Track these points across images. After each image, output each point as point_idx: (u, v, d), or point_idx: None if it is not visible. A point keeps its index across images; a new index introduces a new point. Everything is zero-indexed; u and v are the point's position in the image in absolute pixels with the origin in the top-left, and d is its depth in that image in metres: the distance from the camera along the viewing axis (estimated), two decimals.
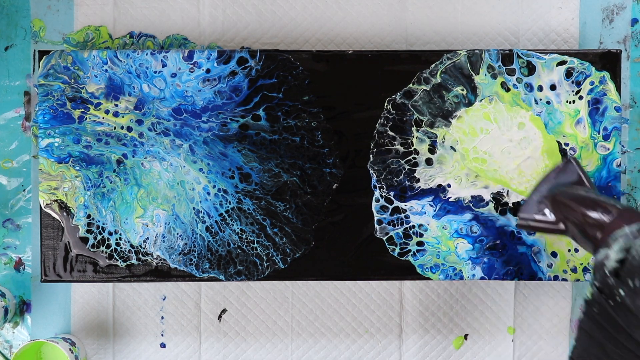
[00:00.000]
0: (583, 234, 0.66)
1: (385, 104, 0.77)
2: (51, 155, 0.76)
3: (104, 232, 0.76)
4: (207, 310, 0.83)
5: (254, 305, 0.84)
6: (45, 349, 0.81)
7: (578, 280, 0.76)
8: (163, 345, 0.83)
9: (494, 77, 0.76)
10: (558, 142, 0.76)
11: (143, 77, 0.76)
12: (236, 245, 0.76)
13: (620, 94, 0.76)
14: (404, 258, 0.77)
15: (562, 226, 0.69)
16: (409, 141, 0.77)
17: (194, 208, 0.76)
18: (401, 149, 0.77)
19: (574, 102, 0.76)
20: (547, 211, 0.71)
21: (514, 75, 0.76)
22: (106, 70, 0.76)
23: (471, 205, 0.77)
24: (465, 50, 0.76)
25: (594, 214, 0.65)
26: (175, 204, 0.76)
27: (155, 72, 0.76)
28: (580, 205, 0.67)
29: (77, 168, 0.76)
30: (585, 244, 0.66)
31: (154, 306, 0.83)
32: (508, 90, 0.76)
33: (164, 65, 0.76)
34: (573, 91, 0.76)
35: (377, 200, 0.77)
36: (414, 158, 0.77)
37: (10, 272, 0.83)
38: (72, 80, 0.76)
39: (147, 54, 0.76)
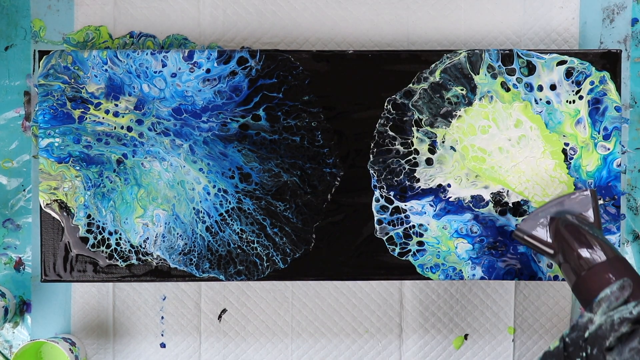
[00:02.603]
0: (570, 265, 0.66)
1: (385, 104, 0.77)
2: (51, 155, 0.76)
3: (104, 232, 0.76)
4: (207, 310, 0.83)
5: (254, 305, 0.84)
6: (45, 348, 0.80)
7: None
8: (163, 345, 0.83)
9: (494, 77, 0.76)
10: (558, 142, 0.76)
11: (143, 77, 0.76)
12: (236, 245, 0.76)
13: (620, 94, 0.76)
14: (404, 258, 0.77)
15: (551, 251, 0.70)
16: (409, 141, 0.76)
17: (194, 208, 0.76)
18: (401, 149, 0.77)
19: (574, 102, 0.76)
20: (545, 233, 0.71)
21: (514, 75, 0.76)
22: (106, 70, 0.76)
23: (471, 205, 0.77)
24: (465, 50, 0.76)
25: (586, 253, 0.65)
26: (175, 204, 0.76)
27: (155, 72, 0.76)
28: (576, 241, 0.66)
29: (77, 168, 0.76)
30: (568, 276, 0.66)
31: (154, 306, 0.83)
32: (508, 90, 0.76)
33: (164, 65, 0.76)
34: (573, 91, 0.76)
35: (377, 200, 0.77)
36: (414, 158, 0.77)
37: (10, 272, 0.83)
38: (72, 80, 0.76)
39: (147, 54, 0.76)
